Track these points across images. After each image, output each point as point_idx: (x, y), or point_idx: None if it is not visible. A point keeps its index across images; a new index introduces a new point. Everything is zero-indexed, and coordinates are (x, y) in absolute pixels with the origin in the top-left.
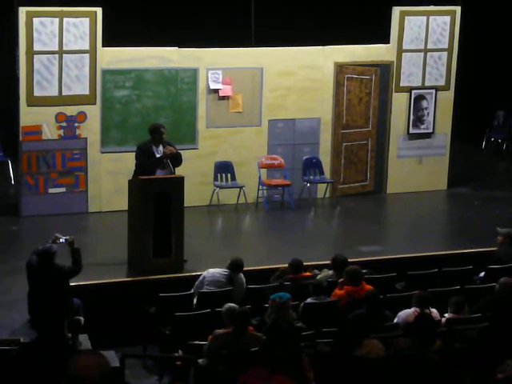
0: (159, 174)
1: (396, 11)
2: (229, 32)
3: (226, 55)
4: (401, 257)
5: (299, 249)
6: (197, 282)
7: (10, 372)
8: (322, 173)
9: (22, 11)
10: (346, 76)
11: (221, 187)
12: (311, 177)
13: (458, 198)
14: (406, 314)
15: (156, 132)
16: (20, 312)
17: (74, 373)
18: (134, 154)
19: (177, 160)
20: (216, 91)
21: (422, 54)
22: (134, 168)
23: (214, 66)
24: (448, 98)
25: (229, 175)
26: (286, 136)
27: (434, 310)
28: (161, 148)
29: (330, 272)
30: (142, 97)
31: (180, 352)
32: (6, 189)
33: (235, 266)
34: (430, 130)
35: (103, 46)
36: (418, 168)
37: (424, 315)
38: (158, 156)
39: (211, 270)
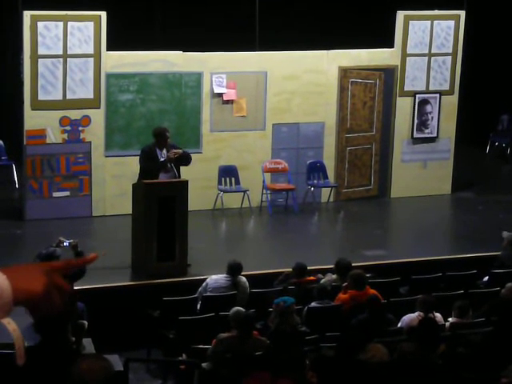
0: (162, 177)
1: (400, 15)
2: (233, 36)
3: (230, 59)
4: (405, 261)
5: (303, 253)
6: (200, 289)
7: (14, 376)
8: (326, 177)
9: (27, 15)
10: (350, 80)
11: (225, 191)
12: (315, 181)
13: (462, 203)
14: (410, 318)
15: (161, 136)
16: (23, 315)
17: (78, 376)
18: (138, 157)
19: (186, 160)
20: (220, 95)
21: (426, 58)
22: (138, 172)
23: (219, 70)
24: (452, 102)
25: (233, 179)
26: (290, 140)
27: (437, 315)
28: (164, 151)
29: (334, 276)
30: (146, 101)
31: (184, 356)
32: (10, 193)
33: (234, 269)
34: (434, 135)
35: (107, 49)
36: (422, 172)
37: (428, 319)
38: (161, 159)
39: (214, 277)
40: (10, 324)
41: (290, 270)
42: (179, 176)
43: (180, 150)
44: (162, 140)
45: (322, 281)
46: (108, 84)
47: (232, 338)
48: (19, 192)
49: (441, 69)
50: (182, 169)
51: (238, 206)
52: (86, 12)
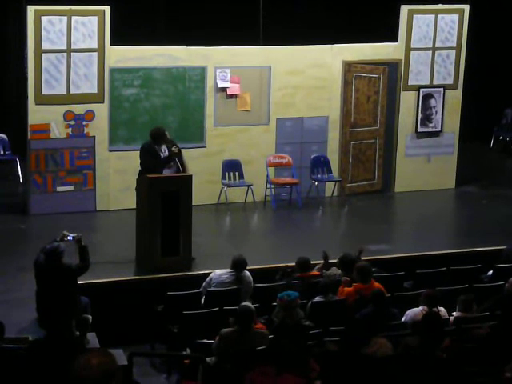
0: (166, 172)
1: (404, 10)
2: (237, 30)
3: (234, 54)
4: (409, 255)
5: (307, 247)
6: (204, 283)
7: (19, 370)
8: (329, 171)
9: (31, 9)
10: (355, 74)
11: (229, 186)
12: (319, 175)
13: (466, 197)
14: (414, 312)
15: (159, 136)
16: (28, 310)
17: (76, 373)
18: (139, 154)
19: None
20: (224, 90)
21: (430, 52)
22: (139, 168)
23: (222, 64)
24: (456, 96)
25: (237, 174)
26: (293, 134)
27: (442, 309)
28: (164, 147)
29: (339, 271)
30: (150, 95)
31: (188, 350)
32: (14, 187)
33: (238, 265)
34: (438, 129)
35: (111, 44)
36: (425, 167)
37: (432, 314)
38: (162, 155)
39: (218, 272)
40: None
41: (288, 264)
42: (183, 169)
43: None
44: (159, 140)
45: (326, 274)
46: (112, 78)
47: (234, 332)
48: (23, 186)
49: (445, 63)
50: (187, 163)
51: (242, 200)
52: (89, 6)
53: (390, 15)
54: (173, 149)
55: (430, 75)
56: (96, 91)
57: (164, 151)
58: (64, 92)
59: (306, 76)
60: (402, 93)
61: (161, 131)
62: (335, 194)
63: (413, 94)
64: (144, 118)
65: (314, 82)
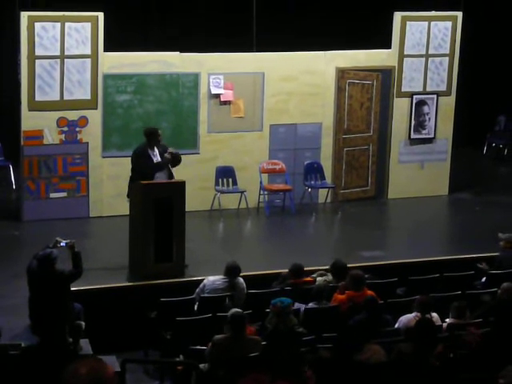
0: (159, 176)
1: (397, 16)
2: (230, 37)
3: (227, 60)
4: (402, 262)
5: (300, 254)
6: (197, 290)
7: (11, 377)
8: (323, 178)
9: (24, 16)
10: (348, 81)
11: (222, 192)
12: (312, 182)
13: (459, 204)
14: (407, 319)
15: (153, 135)
16: (21, 317)
17: (65, 381)
18: (130, 159)
19: (178, 161)
20: (217, 96)
21: (424, 59)
22: (129, 175)
23: (216, 70)
24: (449, 103)
25: (230, 180)
26: (287, 141)
27: (435, 315)
28: (156, 151)
29: (330, 277)
30: (143, 101)
31: (181, 357)
32: (7, 193)
33: (232, 271)
34: (432, 136)
35: (105, 50)
36: (419, 173)
37: (425, 320)
38: (154, 159)
39: (211, 278)
40: None
41: (287, 271)
42: (173, 174)
43: (173, 150)
44: (153, 139)
45: (318, 280)
46: (105, 85)
47: (227, 339)
48: (16, 193)
49: (438, 70)
50: (180, 169)
51: (236, 206)
52: (83, 13)
53: (383, 22)
54: (165, 155)
55: (423, 82)
56: (89, 97)
57: (156, 155)
58: (57, 98)
59: (299, 82)
60: (396, 99)
61: (151, 130)
62: (328, 200)
63: (406, 100)
64: (137, 124)
65: (307, 88)
